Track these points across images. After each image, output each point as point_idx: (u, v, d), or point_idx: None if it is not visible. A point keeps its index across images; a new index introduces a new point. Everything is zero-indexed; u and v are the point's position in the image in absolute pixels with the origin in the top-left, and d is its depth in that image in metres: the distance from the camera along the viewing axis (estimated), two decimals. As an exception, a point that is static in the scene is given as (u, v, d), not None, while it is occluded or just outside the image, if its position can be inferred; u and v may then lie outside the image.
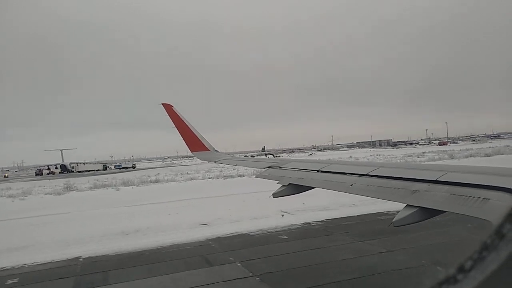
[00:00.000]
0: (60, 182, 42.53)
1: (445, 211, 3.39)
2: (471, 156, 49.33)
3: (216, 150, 10.41)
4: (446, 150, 69.72)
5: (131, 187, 34.80)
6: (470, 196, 3.22)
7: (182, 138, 9.99)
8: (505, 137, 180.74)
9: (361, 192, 4.44)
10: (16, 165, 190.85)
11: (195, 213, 16.82)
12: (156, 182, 37.89)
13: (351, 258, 9.15)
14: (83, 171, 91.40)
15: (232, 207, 18.01)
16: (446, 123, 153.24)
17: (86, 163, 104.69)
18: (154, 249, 11.28)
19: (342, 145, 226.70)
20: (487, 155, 48.69)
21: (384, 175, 4.36)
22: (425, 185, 3.77)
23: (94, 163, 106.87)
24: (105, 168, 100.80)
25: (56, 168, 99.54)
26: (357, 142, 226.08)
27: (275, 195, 5.64)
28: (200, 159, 10.49)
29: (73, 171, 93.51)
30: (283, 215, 14.89)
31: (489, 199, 3.05)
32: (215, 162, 9.39)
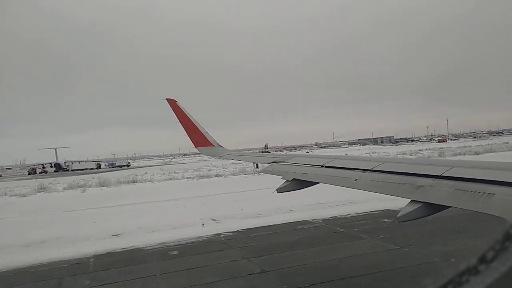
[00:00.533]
0: (44, 182, 41.63)
1: (450, 207, 3.39)
2: (459, 154, 48.70)
3: (220, 146, 10.43)
4: (443, 148, 69.50)
5: (101, 188, 33.89)
6: (475, 191, 3.21)
7: (186, 134, 10.03)
8: (508, 133, 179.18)
9: (366, 188, 4.44)
10: (19, 163, 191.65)
11: (122, 221, 16.13)
12: (133, 182, 36.83)
13: (204, 284, 8.50)
14: (77, 170, 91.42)
15: (168, 213, 17.39)
16: (447, 119, 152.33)
17: (81, 161, 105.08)
18: (27, 267, 10.41)
19: (344, 142, 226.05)
20: (477, 153, 47.95)
21: (389, 170, 4.36)
22: (430, 180, 3.76)
23: (89, 162, 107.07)
24: (98, 166, 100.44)
25: (51, 166, 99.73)
26: (358, 139, 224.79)
27: (279, 190, 5.66)
28: (204, 154, 10.51)
29: (68, 170, 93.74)
30: (203, 224, 14.32)
31: (494, 194, 3.04)
32: (219, 157, 9.40)
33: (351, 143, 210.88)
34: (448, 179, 3.60)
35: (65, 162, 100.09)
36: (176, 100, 10.12)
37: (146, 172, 51.57)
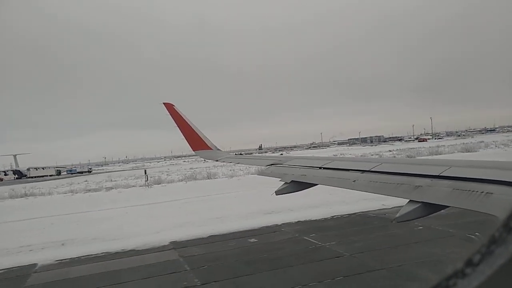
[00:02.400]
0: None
1: (448, 206, 3.39)
2: (394, 157, 47.94)
3: (218, 149, 10.35)
4: (414, 148, 68.82)
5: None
6: (473, 191, 3.21)
7: (184, 137, 9.95)
8: (500, 130, 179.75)
9: (364, 188, 4.43)
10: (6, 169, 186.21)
11: None
12: (26, 196, 34.55)
13: None
14: (36, 177, 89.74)
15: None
16: (431, 118, 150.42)
17: (45, 167, 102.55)
18: None
19: (336, 142, 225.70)
20: (409, 157, 46.85)
21: (387, 170, 4.35)
22: (428, 180, 3.76)
23: (50, 168, 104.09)
24: (59, 173, 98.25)
25: (14, 173, 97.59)
26: (348, 139, 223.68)
27: (278, 192, 5.63)
28: (202, 157, 10.45)
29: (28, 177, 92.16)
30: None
31: (492, 193, 3.04)
32: (217, 160, 9.34)
33: (340, 143, 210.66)
34: (446, 178, 3.60)
35: (28, 169, 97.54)
36: (173, 104, 10.04)
37: (86, 181, 51.28)
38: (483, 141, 68.30)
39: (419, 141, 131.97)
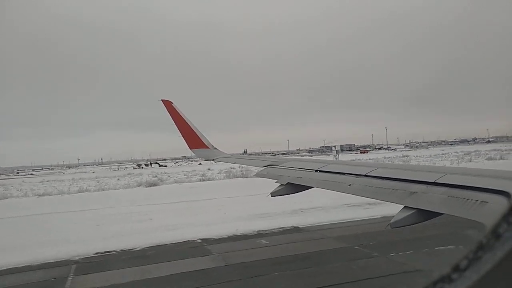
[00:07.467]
0: None
1: (443, 213, 3.37)
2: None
3: (215, 148, 10.33)
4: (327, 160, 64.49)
5: None
6: (468, 199, 3.19)
7: (181, 135, 9.90)
8: (479, 142, 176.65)
9: (359, 193, 4.42)
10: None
11: None
12: None
13: None
14: None
15: None
16: (386, 128, 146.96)
17: None
18: None
19: (303, 150, 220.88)
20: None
21: (383, 176, 4.34)
22: (423, 186, 3.74)
23: None
24: None
25: None
26: (320, 147, 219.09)
27: (273, 194, 5.62)
28: (199, 156, 10.42)
29: None
30: None
31: (487, 202, 3.02)
32: (213, 160, 9.31)
33: (310, 151, 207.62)
34: (442, 186, 3.58)
35: None
36: (172, 102, 10.00)
37: None
38: (408, 155, 62.87)
39: (361, 153, 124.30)
